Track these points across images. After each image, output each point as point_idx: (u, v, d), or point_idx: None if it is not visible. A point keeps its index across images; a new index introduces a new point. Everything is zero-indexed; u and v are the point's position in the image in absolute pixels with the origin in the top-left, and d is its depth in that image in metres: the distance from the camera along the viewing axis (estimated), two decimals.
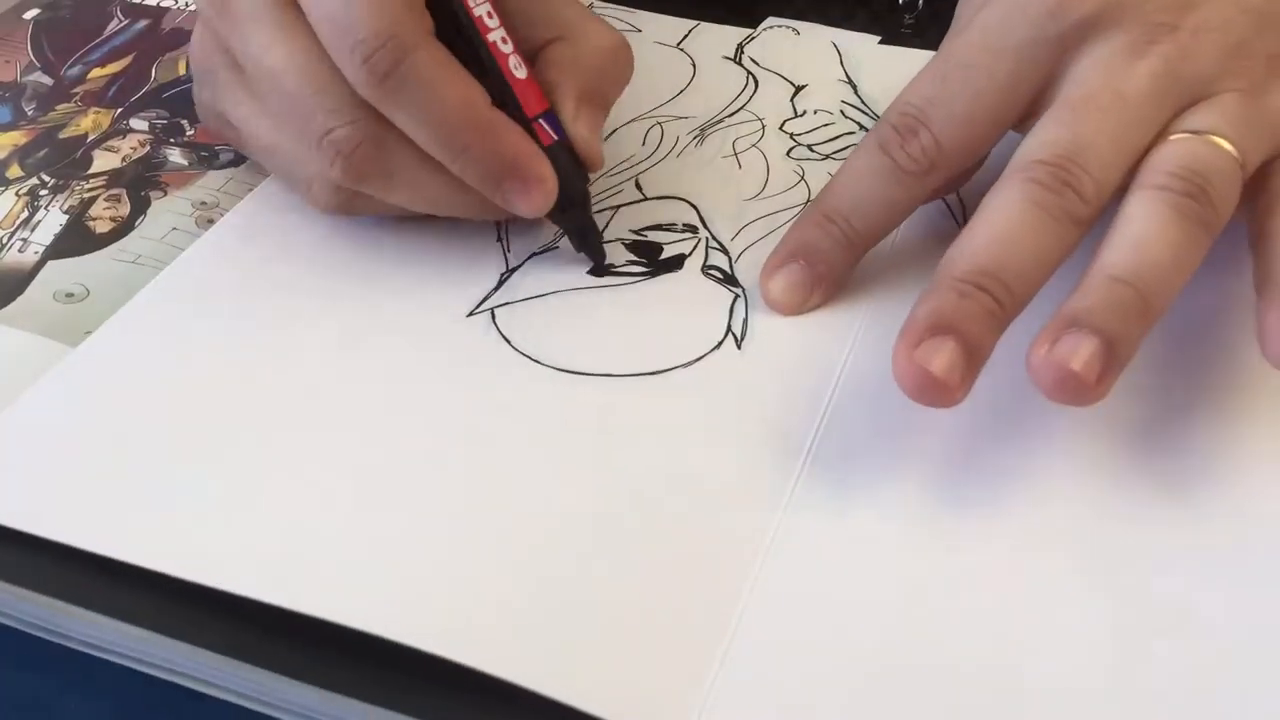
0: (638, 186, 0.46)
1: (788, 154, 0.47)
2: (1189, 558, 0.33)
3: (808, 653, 0.31)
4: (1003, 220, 0.36)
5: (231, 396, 0.38)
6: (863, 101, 0.50)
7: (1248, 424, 0.36)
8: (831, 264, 0.40)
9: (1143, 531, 0.34)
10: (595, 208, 0.44)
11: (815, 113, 0.49)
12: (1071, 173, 0.36)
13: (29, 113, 0.50)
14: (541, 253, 0.43)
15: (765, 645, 0.31)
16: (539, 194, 0.40)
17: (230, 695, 0.33)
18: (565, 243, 0.43)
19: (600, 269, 0.42)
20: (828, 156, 0.47)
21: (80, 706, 0.34)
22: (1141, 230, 0.35)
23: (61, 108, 0.50)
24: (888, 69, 0.50)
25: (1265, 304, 0.35)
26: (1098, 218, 0.36)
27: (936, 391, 0.34)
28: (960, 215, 0.44)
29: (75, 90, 0.51)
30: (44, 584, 0.33)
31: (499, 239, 0.44)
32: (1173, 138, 0.37)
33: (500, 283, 0.42)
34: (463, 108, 0.39)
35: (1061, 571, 0.33)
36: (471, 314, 0.41)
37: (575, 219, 0.42)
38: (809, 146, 0.47)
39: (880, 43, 0.53)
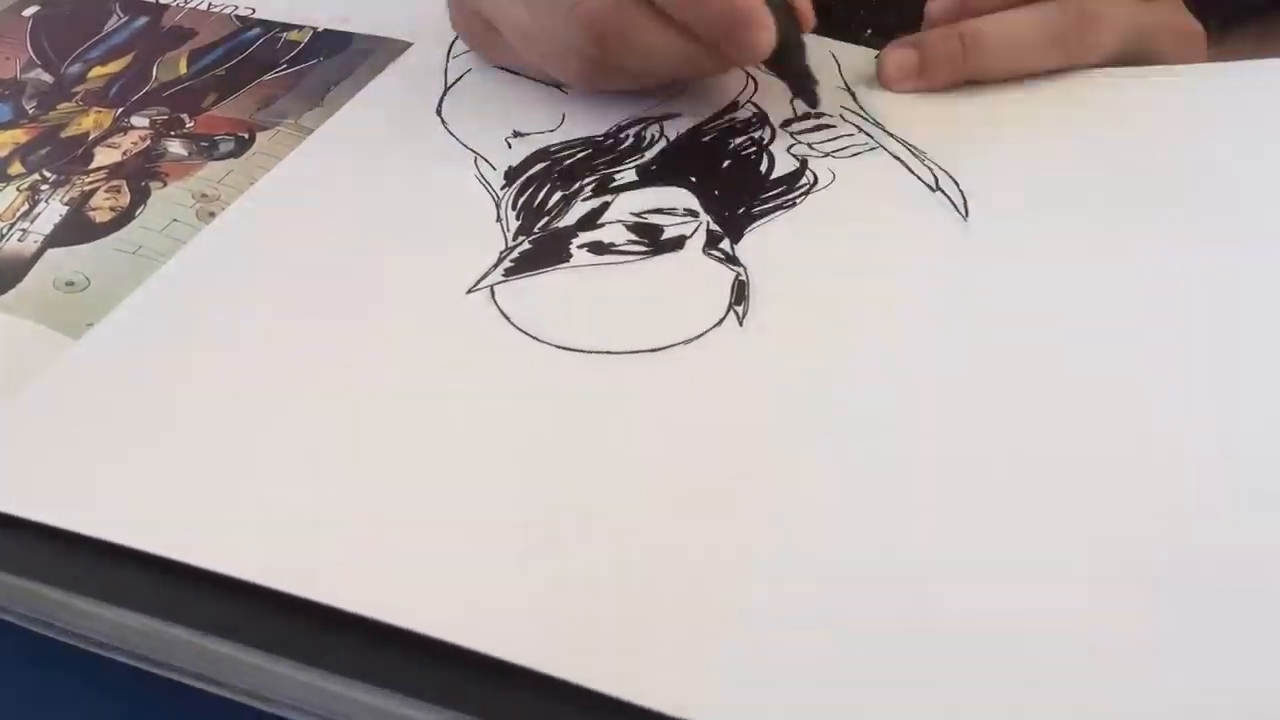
0: (638, 174, 0.46)
1: (788, 150, 0.47)
2: None
3: (818, 630, 0.31)
4: None
5: (233, 384, 0.38)
6: (862, 109, 0.50)
7: None
8: (939, 71, 0.50)
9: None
10: (594, 191, 0.45)
11: (816, 115, 0.49)
12: None
13: (30, 111, 0.50)
14: (542, 235, 0.43)
15: (774, 623, 0.31)
16: (764, 38, 0.45)
17: (228, 691, 0.32)
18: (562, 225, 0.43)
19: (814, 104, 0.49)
20: (829, 154, 0.47)
21: (80, 705, 0.33)
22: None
23: (63, 107, 0.50)
24: None
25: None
26: None
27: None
28: (963, 209, 0.44)
29: (76, 90, 0.51)
30: (48, 574, 0.33)
31: (499, 219, 0.44)
32: None
33: (500, 260, 0.42)
34: None
35: (1071, 551, 0.32)
36: (471, 291, 0.41)
37: (793, 65, 0.48)
38: (809, 145, 0.48)
39: (877, 57, 0.53)
